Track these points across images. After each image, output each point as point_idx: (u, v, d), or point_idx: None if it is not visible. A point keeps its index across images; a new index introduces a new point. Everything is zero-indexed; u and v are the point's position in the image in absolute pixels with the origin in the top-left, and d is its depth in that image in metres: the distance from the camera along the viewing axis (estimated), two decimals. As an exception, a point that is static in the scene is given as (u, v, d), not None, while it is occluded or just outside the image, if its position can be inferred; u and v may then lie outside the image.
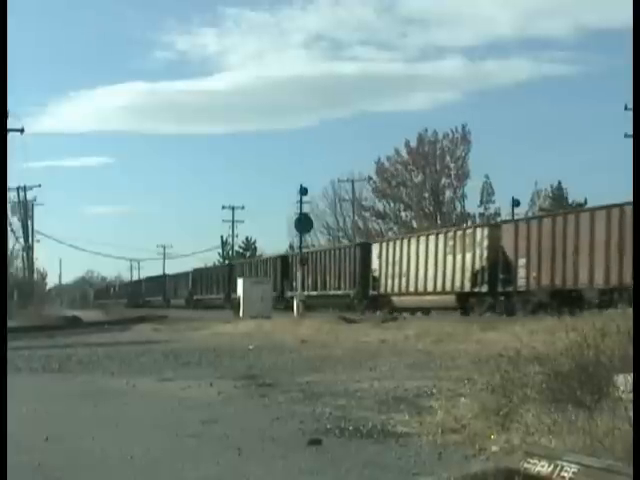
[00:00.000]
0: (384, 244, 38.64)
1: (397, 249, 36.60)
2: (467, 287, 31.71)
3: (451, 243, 32.81)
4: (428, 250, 34.00)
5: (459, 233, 33.23)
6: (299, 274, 41.38)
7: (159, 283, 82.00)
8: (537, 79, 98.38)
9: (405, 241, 36.72)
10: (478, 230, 32.38)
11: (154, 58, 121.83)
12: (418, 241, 35.32)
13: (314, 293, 43.78)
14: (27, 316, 43.49)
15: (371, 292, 38.78)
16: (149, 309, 65.77)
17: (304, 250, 45.67)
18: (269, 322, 31.59)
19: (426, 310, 34.39)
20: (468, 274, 31.53)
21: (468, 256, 31.59)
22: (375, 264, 38.26)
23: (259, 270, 53.28)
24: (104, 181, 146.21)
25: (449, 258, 32.67)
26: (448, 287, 32.83)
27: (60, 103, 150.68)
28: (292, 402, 11.16)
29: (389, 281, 36.98)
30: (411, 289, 35.24)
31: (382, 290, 37.70)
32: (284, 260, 49.73)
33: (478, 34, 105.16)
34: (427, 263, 34.07)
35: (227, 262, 68.99)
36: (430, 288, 33.79)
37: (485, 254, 30.85)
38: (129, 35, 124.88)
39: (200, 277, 66.96)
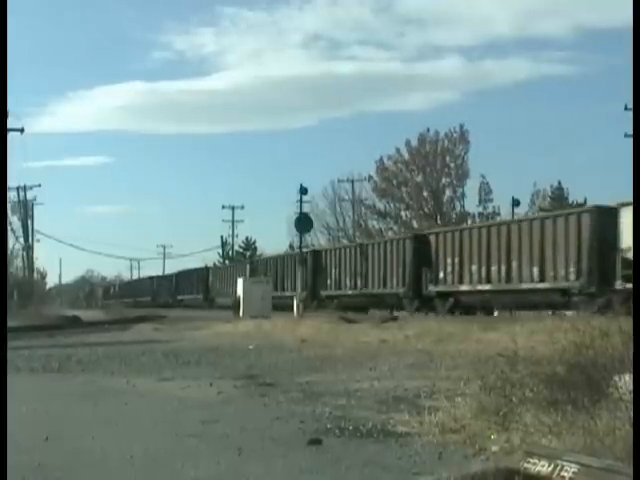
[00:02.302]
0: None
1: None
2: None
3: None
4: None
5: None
6: (299, 274, 41.33)
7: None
8: (536, 79, 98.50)
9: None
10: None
11: (152, 58, 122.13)
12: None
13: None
14: (27, 316, 43.47)
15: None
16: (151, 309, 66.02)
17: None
18: (269, 322, 31.57)
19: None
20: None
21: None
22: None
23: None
24: (104, 181, 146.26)
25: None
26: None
27: (59, 103, 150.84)
28: (292, 402, 11.16)
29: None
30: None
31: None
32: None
33: (476, 34, 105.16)
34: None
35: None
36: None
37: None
38: (127, 35, 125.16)
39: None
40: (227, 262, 74.49)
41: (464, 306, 31.58)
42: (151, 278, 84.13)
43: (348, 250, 41.34)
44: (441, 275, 33.01)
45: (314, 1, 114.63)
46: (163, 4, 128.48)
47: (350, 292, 39.89)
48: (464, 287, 31.65)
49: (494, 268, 29.87)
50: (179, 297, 67.44)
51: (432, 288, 33.49)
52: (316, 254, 44.73)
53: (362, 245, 40.61)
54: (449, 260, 32.44)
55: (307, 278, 42.92)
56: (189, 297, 64.15)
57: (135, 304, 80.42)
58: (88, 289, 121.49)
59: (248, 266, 52.00)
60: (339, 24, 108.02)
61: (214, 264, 70.99)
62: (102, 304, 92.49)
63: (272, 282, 43.71)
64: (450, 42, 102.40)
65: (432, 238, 34.24)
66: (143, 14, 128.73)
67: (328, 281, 41.95)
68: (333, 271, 41.50)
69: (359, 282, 39.10)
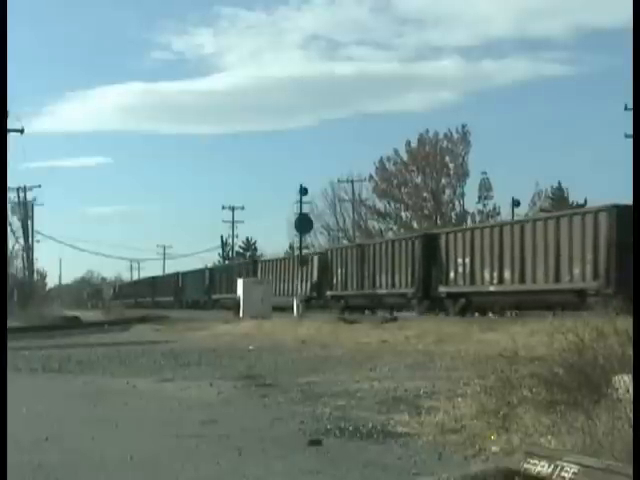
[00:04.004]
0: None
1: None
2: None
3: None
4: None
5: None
6: (299, 274, 41.34)
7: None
8: (536, 79, 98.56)
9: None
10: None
11: (151, 58, 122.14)
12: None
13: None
14: (27, 316, 43.45)
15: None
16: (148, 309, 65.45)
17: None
18: (269, 322, 31.58)
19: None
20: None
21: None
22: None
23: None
24: (104, 181, 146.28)
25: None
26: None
27: (58, 103, 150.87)
28: (292, 402, 11.16)
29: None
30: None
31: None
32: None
33: (475, 34, 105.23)
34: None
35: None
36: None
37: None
38: (126, 35, 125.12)
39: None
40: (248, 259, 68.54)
41: (476, 307, 30.74)
42: (175, 275, 73.58)
43: (354, 250, 40.39)
44: (452, 275, 32.03)
45: (313, 1, 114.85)
46: (161, 4, 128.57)
47: (356, 292, 38.96)
48: (476, 288, 30.67)
49: (507, 268, 29.02)
50: (214, 296, 57.55)
51: (442, 289, 32.51)
52: (322, 254, 44.24)
53: (368, 245, 39.78)
54: (460, 260, 31.48)
55: (313, 278, 42.51)
56: (228, 296, 51.76)
57: (154, 304, 73.02)
58: (94, 288, 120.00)
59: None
60: (338, 24, 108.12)
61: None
62: (110, 304, 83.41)
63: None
64: (449, 42, 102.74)
65: (442, 238, 33.24)
66: (141, 14, 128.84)
67: (334, 281, 41.07)
68: (339, 271, 40.57)
69: (366, 282, 38.02)
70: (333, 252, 42.96)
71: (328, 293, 41.44)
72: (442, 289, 32.55)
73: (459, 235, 32.43)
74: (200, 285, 62.59)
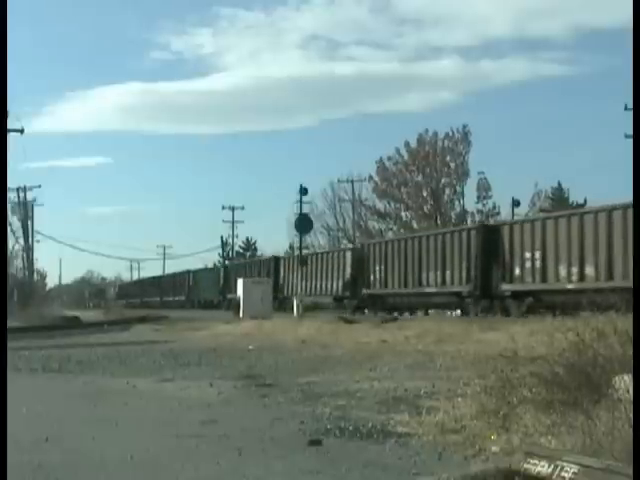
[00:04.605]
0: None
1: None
2: None
3: None
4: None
5: None
6: (299, 274, 41.32)
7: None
8: (535, 79, 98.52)
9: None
10: None
11: (151, 58, 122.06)
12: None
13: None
14: (27, 316, 43.43)
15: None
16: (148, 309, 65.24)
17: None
18: (269, 322, 31.59)
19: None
20: None
21: None
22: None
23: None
24: (104, 181, 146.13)
25: None
26: None
27: (58, 103, 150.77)
28: (292, 402, 11.17)
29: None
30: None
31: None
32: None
33: (474, 34, 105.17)
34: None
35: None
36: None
37: None
38: (125, 36, 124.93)
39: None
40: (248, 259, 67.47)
41: (546, 306, 26.74)
42: (186, 273, 70.40)
43: (397, 243, 37.00)
44: (517, 272, 28.65)
45: (312, 1, 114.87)
46: (160, 4, 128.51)
47: (398, 291, 35.54)
48: (548, 285, 27.15)
49: (590, 263, 25.54)
50: (229, 296, 53.28)
51: (506, 287, 29.05)
52: (356, 249, 41.47)
53: (414, 238, 36.41)
54: (528, 255, 28.09)
55: (346, 275, 39.90)
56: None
57: (162, 304, 70.20)
58: (96, 288, 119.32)
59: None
60: (337, 24, 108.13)
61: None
62: (114, 304, 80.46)
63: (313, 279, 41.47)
64: (448, 42, 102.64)
65: (505, 230, 29.80)
66: (141, 14, 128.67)
67: (371, 278, 37.66)
68: (377, 267, 37.21)
69: (410, 280, 34.60)
70: (370, 246, 39.41)
71: (364, 292, 38.24)
72: (505, 287, 29.15)
73: (526, 226, 28.87)
74: (214, 284, 60.16)
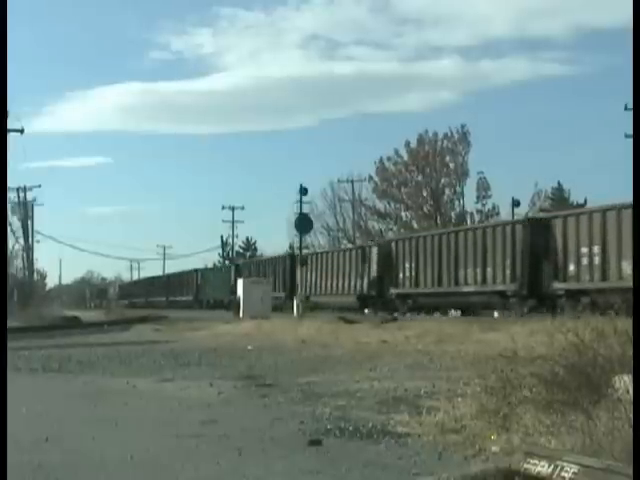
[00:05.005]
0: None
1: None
2: None
3: None
4: None
5: None
6: (299, 274, 41.31)
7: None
8: (535, 79, 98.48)
9: None
10: None
11: (151, 58, 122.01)
12: None
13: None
14: (27, 316, 43.44)
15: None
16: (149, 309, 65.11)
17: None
18: (269, 322, 31.59)
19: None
20: None
21: None
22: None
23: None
24: (104, 181, 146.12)
25: None
26: None
27: (58, 103, 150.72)
28: (292, 402, 11.17)
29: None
30: None
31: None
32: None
33: (474, 34, 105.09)
34: None
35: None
36: None
37: None
38: (125, 36, 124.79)
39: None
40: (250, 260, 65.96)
41: (605, 306, 23.16)
42: (195, 271, 67.88)
43: (430, 239, 34.49)
44: (571, 269, 26.55)
45: (311, 1, 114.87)
46: (160, 4, 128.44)
47: (431, 290, 33.32)
48: (609, 284, 24.87)
49: None
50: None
51: (558, 285, 26.97)
52: (383, 246, 38.90)
53: (449, 233, 34.21)
54: (584, 250, 25.98)
55: (371, 273, 37.78)
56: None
57: (168, 304, 68.02)
58: (97, 288, 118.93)
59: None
60: (337, 24, 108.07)
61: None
62: (116, 304, 79.86)
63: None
64: (448, 42, 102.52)
65: (557, 223, 27.50)
66: (140, 14, 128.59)
67: (400, 277, 35.51)
68: (407, 265, 35.08)
69: (445, 278, 32.35)
70: (399, 243, 37.15)
71: (392, 291, 36.15)
72: (558, 285, 27.00)
73: (583, 219, 26.52)
74: (224, 283, 56.82)
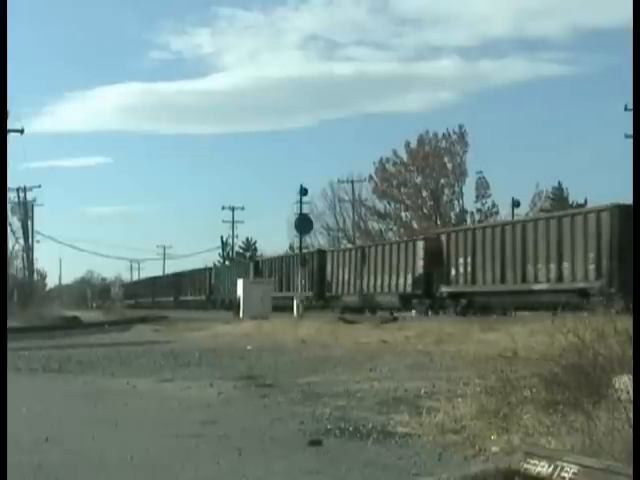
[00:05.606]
0: None
1: None
2: None
3: None
4: None
5: None
6: (299, 274, 41.29)
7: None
8: (534, 79, 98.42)
9: None
10: None
11: (150, 58, 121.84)
12: None
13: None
14: (27, 316, 43.44)
15: None
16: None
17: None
18: (269, 323, 31.57)
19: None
20: None
21: None
22: None
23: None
24: (104, 181, 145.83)
25: None
26: None
27: (58, 103, 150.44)
28: (292, 403, 11.17)
29: None
30: None
31: None
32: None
33: (474, 34, 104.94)
34: None
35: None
36: None
37: None
38: (125, 36, 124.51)
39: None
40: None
41: None
42: (207, 270, 64.62)
43: (490, 231, 31.18)
44: None
45: (310, 1, 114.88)
46: (160, 4, 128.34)
47: (490, 288, 30.21)
48: None
49: None
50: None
51: None
52: (431, 240, 35.15)
53: (512, 224, 30.99)
54: None
55: (417, 270, 34.61)
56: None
57: (177, 305, 65.25)
58: (99, 287, 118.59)
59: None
60: (336, 24, 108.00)
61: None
62: (119, 304, 77.59)
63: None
64: (448, 42, 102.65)
65: None
66: (140, 14, 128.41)
67: (452, 274, 32.37)
68: (460, 260, 31.87)
69: (508, 275, 29.24)
70: (450, 236, 33.60)
71: (443, 289, 32.98)
72: None
73: None
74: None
